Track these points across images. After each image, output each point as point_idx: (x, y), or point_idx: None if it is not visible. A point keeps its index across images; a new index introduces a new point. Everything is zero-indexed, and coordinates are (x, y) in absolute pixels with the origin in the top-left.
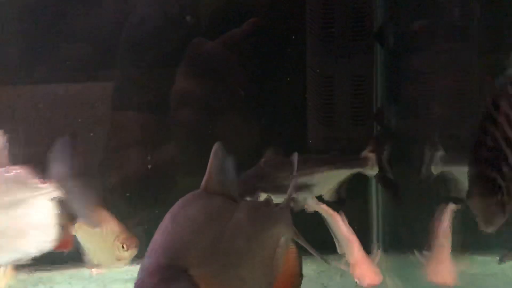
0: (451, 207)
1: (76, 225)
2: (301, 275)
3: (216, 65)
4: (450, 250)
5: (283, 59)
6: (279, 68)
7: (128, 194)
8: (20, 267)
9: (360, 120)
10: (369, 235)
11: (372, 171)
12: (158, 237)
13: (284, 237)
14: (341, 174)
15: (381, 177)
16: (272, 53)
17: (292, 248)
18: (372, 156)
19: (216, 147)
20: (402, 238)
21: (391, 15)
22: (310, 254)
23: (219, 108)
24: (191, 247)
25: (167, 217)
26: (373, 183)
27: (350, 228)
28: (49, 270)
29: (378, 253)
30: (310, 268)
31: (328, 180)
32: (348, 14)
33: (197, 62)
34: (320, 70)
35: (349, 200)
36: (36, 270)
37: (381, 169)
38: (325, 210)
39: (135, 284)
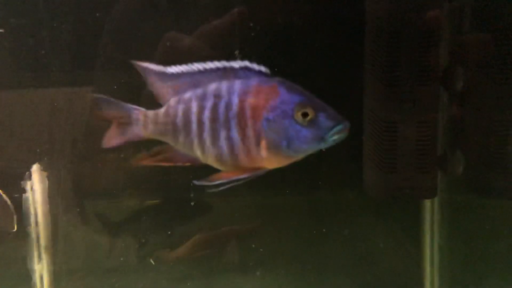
0: None
1: None
2: None
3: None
4: None
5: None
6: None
7: None
8: None
9: (424, 168)
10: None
11: None
12: None
13: None
14: None
15: None
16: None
17: None
18: None
19: None
20: None
21: (458, 58)
22: None
23: None
24: None
25: None
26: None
27: None
28: None
29: None
30: None
31: None
32: (414, 57)
33: (171, 55)
34: (383, 115)
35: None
36: None
37: None
38: None
39: None
